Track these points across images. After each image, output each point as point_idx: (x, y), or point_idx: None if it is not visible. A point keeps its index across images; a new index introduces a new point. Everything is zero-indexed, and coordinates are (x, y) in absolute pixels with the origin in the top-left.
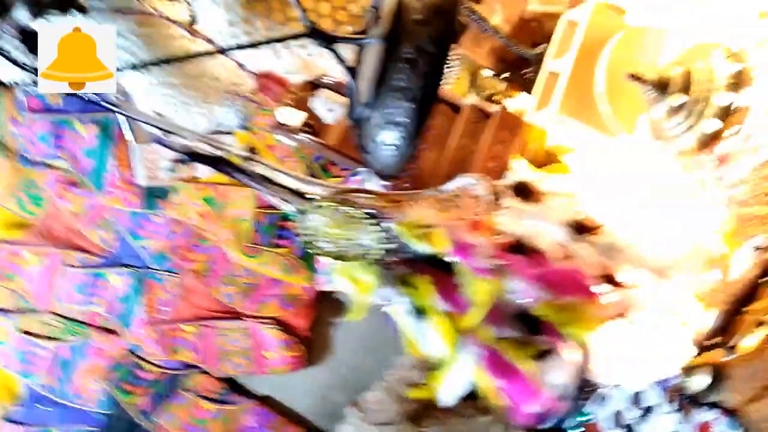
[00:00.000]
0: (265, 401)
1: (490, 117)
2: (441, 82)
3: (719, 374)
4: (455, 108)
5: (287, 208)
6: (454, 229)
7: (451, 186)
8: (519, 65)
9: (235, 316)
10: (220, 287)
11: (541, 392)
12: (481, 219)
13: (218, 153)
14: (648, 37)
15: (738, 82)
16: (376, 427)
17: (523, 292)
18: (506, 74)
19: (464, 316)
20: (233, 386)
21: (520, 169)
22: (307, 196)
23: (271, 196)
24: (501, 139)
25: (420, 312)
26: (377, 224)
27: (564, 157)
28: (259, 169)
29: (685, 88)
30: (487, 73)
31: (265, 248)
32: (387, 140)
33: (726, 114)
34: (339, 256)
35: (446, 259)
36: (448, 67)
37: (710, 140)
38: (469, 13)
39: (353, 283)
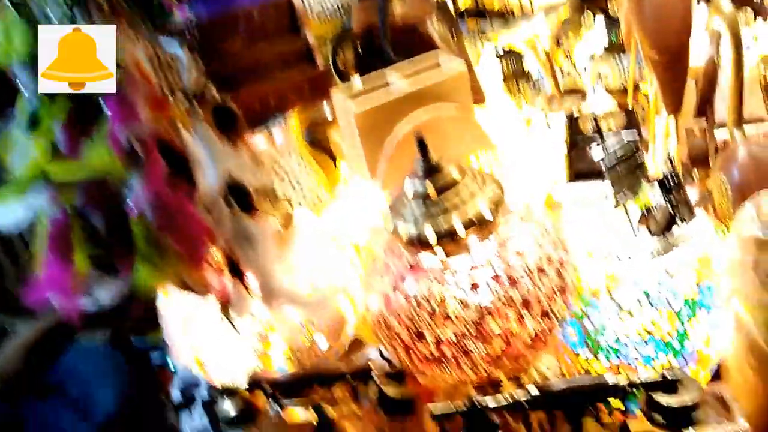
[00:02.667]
0: None
1: None
2: None
3: (248, 411)
4: None
5: None
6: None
7: None
8: None
9: None
10: None
11: (72, 292)
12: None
13: None
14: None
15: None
16: None
17: (135, 194)
18: None
19: (65, 161)
20: None
21: None
22: None
23: None
24: None
25: (35, 123)
26: None
27: None
28: None
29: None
30: None
31: None
32: None
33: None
34: None
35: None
36: None
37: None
38: None
39: None
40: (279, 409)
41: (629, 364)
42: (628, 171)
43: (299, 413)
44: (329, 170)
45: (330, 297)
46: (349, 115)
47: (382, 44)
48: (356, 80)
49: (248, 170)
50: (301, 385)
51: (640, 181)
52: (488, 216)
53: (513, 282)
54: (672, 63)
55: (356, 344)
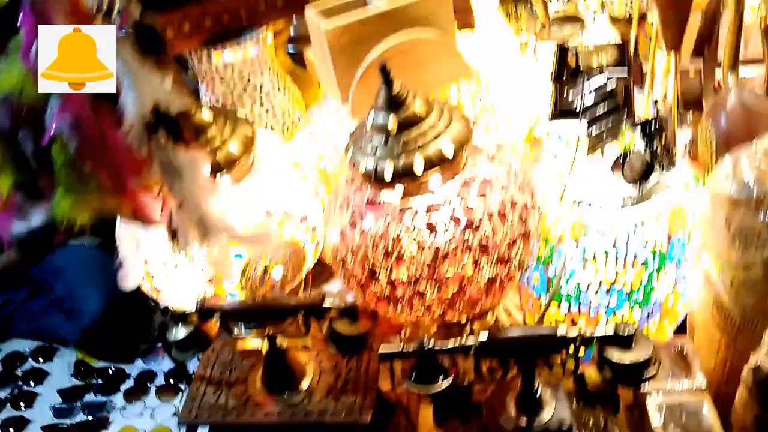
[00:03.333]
0: None
1: None
2: None
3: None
4: None
5: None
6: None
7: None
8: None
9: None
10: None
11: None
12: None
13: None
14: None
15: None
16: None
17: (54, 118)
18: None
19: None
20: None
21: None
22: None
23: None
24: None
25: None
26: None
27: None
28: None
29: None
30: None
31: None
32: None
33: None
34: None
35: None
36: None
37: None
38: None
39: None
40: (229, 337)
41: (590, 312)
42: (608, 112)
43: (251, 341)
44: (311, 89)
45: (274, 230)
46: (320, 32)
47: None
48: None
49: (175, 97)
50: (252, 316)
51: (621, 123)
52: (450, 155)
53: (471, 225)
54: None
55: (320, 274)
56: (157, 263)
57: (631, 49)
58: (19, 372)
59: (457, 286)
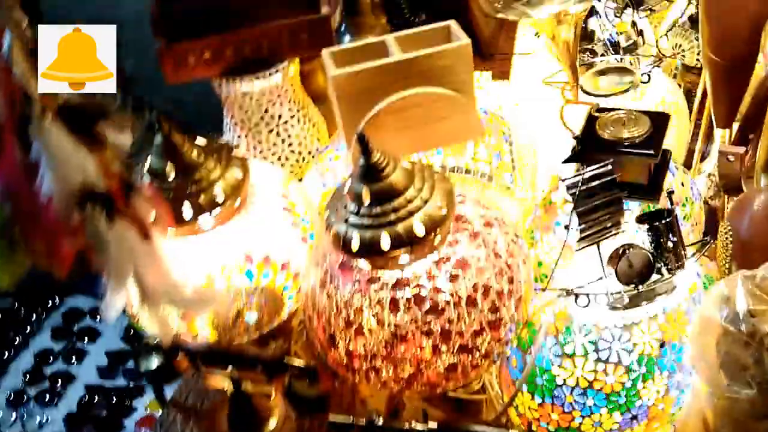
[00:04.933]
0: None
1: None
2: None
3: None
4: None
5: None
6: None
7: None
8: None
9: None
10: None
11: None
12: None
13: None
14: None
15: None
16: None
17: None
18: None
19: None
20: None
21: None
22: None
23: None
24: None
25: None
26: None
27: None
28: None
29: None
30: None
31: None
32: None
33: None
34: None
35: None
36: None
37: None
38: None
39: None
40: (199, 373)
41: (563, 409)
42: (607, 203)
43: (219, 379)
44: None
45: (221, 291)
46: (329, 75)
47: None
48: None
49: (101, 173)
50: (216, 358)
51: (621, 216)
52: (421, 234)
53: (435, 309)
54: (732, 70)
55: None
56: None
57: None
58: (75, 328)
59: (414, 368)
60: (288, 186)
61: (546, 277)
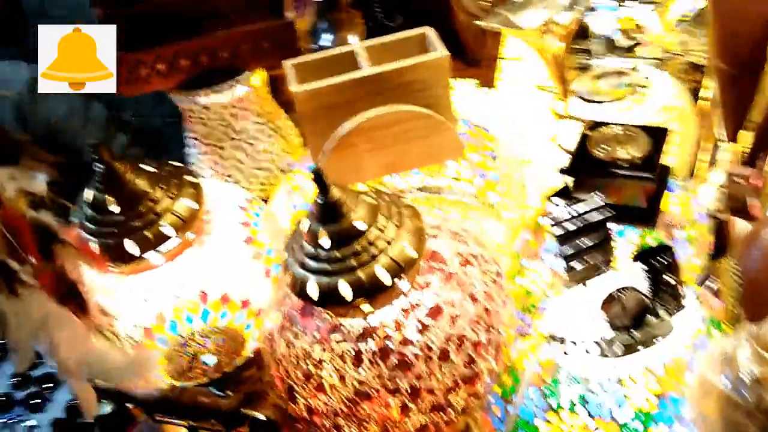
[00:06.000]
0: None
1: None
2: None
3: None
4: None
5: None
6: None
7: None
8: None
9: None
10: None
11: None
12: None
13: None
14: None
15: None
16: None
17: None
18: None
19: None
20: None
21: None
22: None
23: None
24: None
25: None
26: None
27: None
28: None
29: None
30: None
31: None
32: None
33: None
34: None
35: None
36: None
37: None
38: None
39: None
40: (153, 422)
41: None
42: (597, 244)
43: (175, 429)
44: None
45: (151, 358)
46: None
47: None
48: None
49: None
50: (173, 409)
51: (611, 253)
52: (386, 282)
53: (403, 364)
54: (742, 79)
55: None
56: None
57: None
58: None
59: (380, 429)
60: (251, 211)
61: (534, 307)
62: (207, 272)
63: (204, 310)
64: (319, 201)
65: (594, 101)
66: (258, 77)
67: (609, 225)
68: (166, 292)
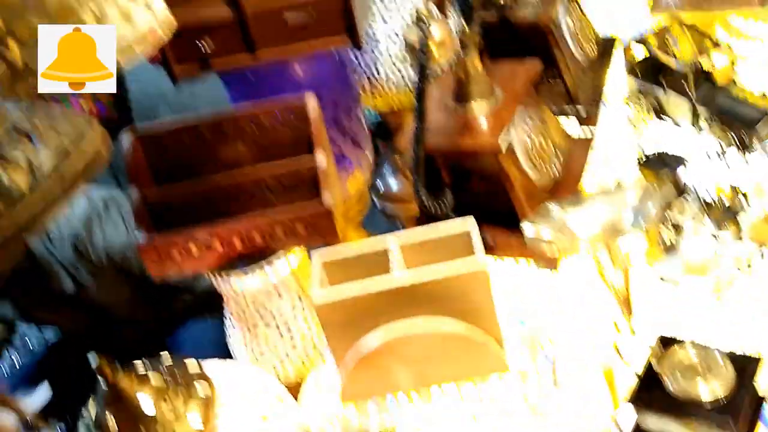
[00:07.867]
0: None
1: None
2: None
3: None
4: None
5: None
6: None
7: None
8: None
9: None
10: None
11: None
12: None
13: None
14: None
15: None
16: None
17: None
18: None
19: None
20: None
21: None
22: None
23: None
24: None
25: None
26: None
27: None
28: None
29: None
30: None
31: None
32: None
33: None
34: None
35: None
36: None
37: None
38: None
39: None
40: None
41: None
42: None
43: None
44: None
45: None
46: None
47: (415, 186)
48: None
49: None
50: None
51: None
52: None
53: None
54: None
55: None
56: None
57: None
58: None
59: None
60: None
61: None
62: None
63: None
64: None
65: (676, 282)
66: (296, 257)
67: None
68: None
